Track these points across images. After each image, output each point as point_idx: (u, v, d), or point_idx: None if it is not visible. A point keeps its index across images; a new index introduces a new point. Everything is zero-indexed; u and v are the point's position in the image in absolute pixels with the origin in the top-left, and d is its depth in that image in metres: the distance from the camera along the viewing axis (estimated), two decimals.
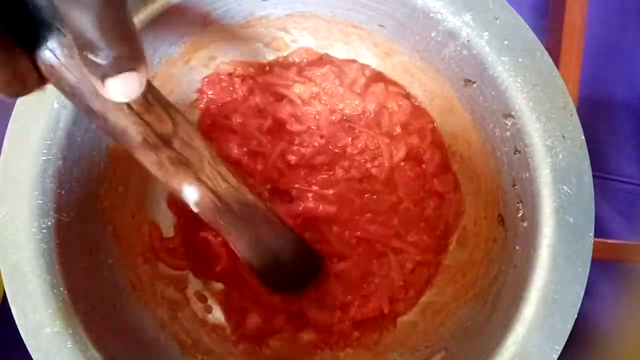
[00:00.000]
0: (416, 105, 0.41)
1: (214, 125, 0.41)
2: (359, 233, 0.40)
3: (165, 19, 0.32)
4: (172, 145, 0.26)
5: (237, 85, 0.41)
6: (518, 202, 0.33)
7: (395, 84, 0.41)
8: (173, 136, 0.26)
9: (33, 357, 0.29)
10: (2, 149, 0.30)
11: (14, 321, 0.29)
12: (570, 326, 0.29)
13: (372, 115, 0.41)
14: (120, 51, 0.19)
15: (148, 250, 0.40)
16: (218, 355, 0.38)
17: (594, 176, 0.30)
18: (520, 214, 0.32)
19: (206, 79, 0.41)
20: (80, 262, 0.32)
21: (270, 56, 0.42)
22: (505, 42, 0.30)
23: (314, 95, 0.41)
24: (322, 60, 0.42)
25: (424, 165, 0.41)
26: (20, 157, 0.30)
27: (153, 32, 0.33)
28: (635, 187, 0.51)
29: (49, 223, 0.30)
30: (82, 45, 0.19)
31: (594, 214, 0.29)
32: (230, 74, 0.41)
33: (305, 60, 0.42)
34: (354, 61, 0.41)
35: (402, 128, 0.41)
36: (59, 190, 0.31)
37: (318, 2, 0.36)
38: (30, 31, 0.21)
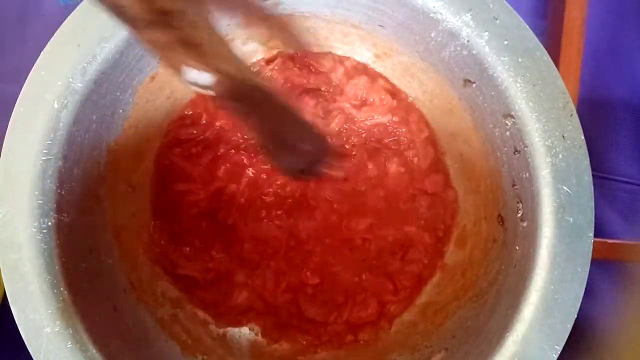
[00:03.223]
0: (409, 102, 0.41)
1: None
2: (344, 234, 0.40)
3: None
4: (180, 24, 0.24)
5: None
6: (518, 202, 0.33)
7: (385, 79, 0.41)
8: (182, 14, 0.23)
9: (33, 357, 0.29)
10: (2, 149, 0.30)
11: (14, 321, 0.29)
12: (570, 326, 0.29)
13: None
14: None
15: (148, 250, 0.40)
16: (218, 355, 0.38)
17: (593, 176, 0.30)
18: (520, 214, 0.32)
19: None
20: (81, 262, 0.32)
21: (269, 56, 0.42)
22: (505, 42, 0.30)
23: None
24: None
25: (415, 159, 0.41)
26: (20, 157, 0.30)
27: None
28: (635, 187, 0.51)
29: (49, 223, 0.30)
30: None
31: (593, 213, 0.29)
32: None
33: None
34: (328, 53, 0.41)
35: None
36: (59, 190, 0.31)
37: (318, 3, 0.36)
38: None
